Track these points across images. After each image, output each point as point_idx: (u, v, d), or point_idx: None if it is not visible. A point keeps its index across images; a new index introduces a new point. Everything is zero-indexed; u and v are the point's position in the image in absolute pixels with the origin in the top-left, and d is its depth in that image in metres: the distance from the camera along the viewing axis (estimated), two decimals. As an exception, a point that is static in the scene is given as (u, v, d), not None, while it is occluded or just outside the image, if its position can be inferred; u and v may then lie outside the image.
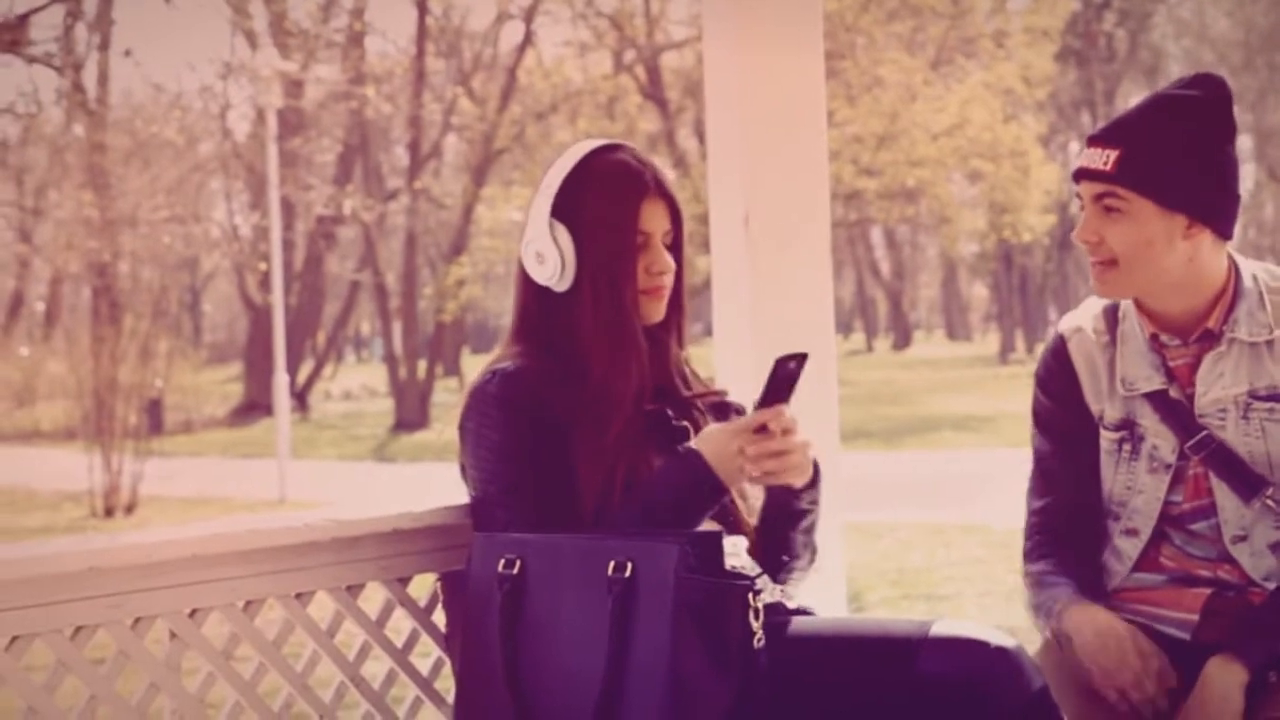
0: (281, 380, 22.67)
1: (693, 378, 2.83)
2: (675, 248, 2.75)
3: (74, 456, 20.18)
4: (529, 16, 31.38)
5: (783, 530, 2.73)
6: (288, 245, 32.00)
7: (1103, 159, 2.76)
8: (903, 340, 55.05)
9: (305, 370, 36.39)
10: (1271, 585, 2.81)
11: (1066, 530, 2.97)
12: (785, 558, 2.75)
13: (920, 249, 56.79)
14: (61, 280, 35.91)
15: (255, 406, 32.98)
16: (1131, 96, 43.64)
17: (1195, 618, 2.84)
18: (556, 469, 2.61)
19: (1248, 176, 48.22)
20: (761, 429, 2.54)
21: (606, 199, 2.68)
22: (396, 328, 34.04)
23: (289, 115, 30.23)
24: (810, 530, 2.76)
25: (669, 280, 2.73)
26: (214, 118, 34.80)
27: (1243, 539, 2.83)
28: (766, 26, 3.54)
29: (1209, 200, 2.77)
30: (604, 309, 2.66)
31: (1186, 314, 2.83)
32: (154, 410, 24.80)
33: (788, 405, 2.55)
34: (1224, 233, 2.81)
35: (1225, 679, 2.69)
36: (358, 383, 43.23)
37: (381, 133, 37.26)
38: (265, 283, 29.91)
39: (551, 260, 2.67)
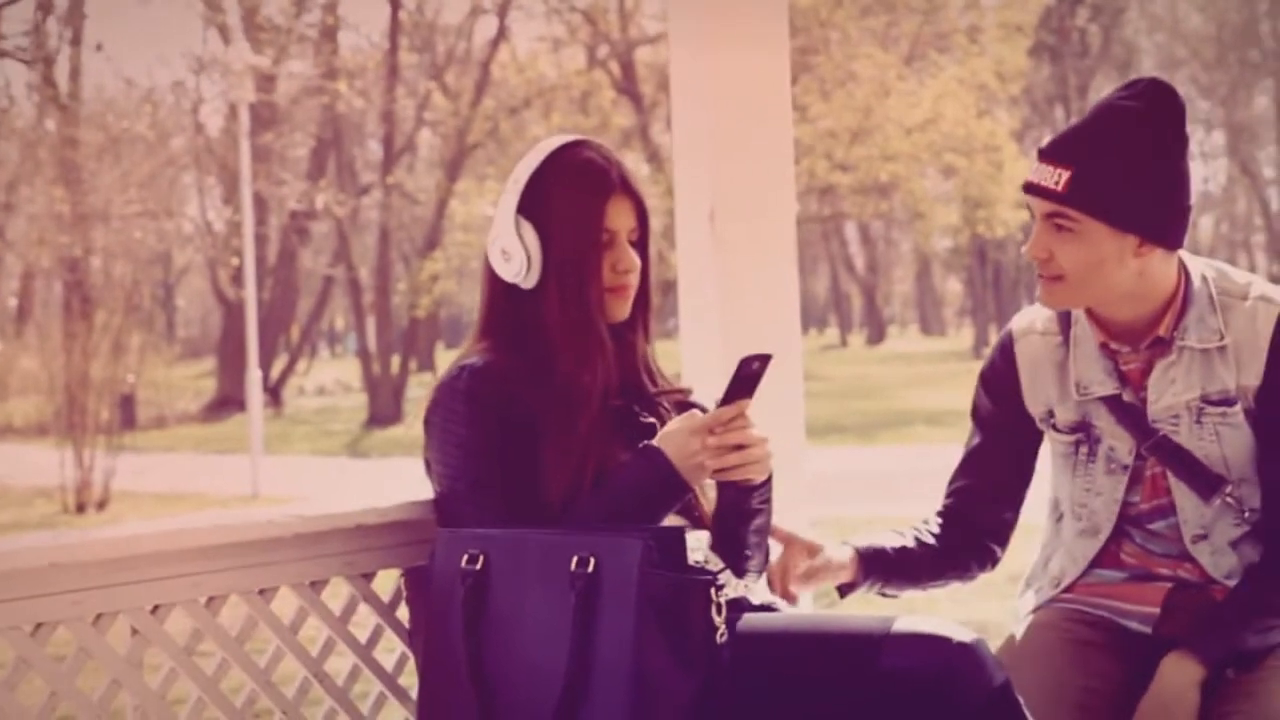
0: (254, 375, 22.63)
1: (658, 375, 2.83)
2: (641, 245, 2.75)
3: (46, 452, 20.08)
4: (503, 11, 31.36)
5: (735, 529, 2.73)
6: (261, 240, 31.92)
7: (1054, 178, 2.73)
8: (877, 335, 55.15)
9: (279, 365, 36.31)
10: (1233, 583, 2.82)
11: (971, 515, 3.03)
12: (746, 553, 2.75)
13: (894, 244, 56.85)
14: (33, 275, 35.75)
15: (229, 401, 32.90)
16: (1105, 91, 43.64)
17: (1157, 611, 2.86)
18: (524, 465, 2.60)
19: (1220, 171, 48.41)
20: (722, 425, 2.54)
21: (573, 196, 2.68)
22: (370, 323, 33.97)
23: (261, 110, 30.13)
24: (762, 531, 2.76)
25: (634, 279, 2.73)
26: (186, 112, 34.73)
27: (1203, 537, 2.84)
28: (732, 23, 3.53)
29: (1161, 219, 2.74)
30: (570, 307, 2.66)
31: (1137, 321, 2.82)
32: (126, 405, 24.73)
33: (749, 403, 2.56)
34: (1175, 246, 2.79)
35: (1181, 677, 2.70)
36: (331, 378, 43.15)
37: (355, 127, 37.15)
38: (238, 278, 29.81)
39: (517, 257, 2.67)
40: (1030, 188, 2.78)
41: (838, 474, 16.61)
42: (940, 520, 3.04)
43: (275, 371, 35.23)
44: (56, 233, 28.24)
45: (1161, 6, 44.93)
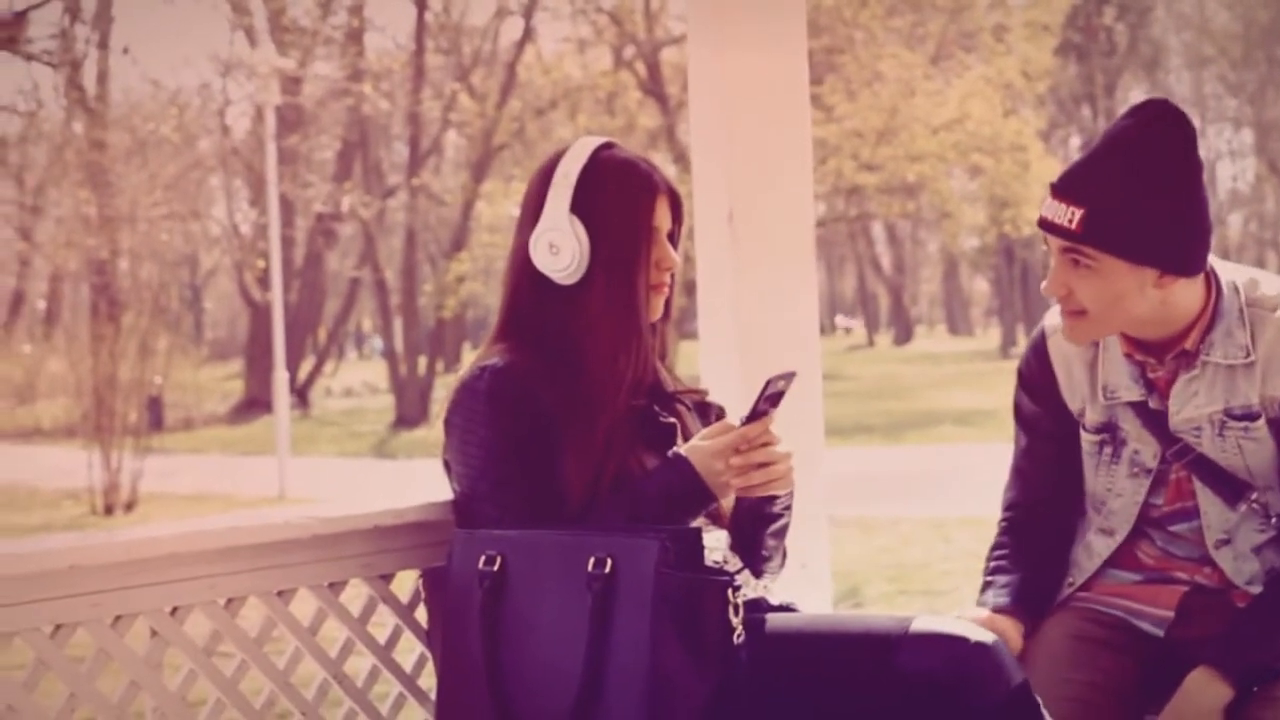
0: (281, 377, 22.67)
1: (671, 377, 2.84)
2: (674, 244, 2.77)
3: (74, 454, 20.15)
4: (528, 12, 31.40)
5: (754, 533, 2.73)
6: (287, 242, 31.99)
7: (1067, 216, 2.69)
8: (904, 335, 55.06)
9: (306, 367, 36.39)
10: (1254, 589, 2.80)
11: (1032, 530, 2.99)
12: (764, 554, 2.75)
13: (921, 244, 56.74)
14: (61, 278, 35.92)
15: (256, 403, 32.97)
16: (1132, 90, 43.60)
17: (1171, 614, 2.84)
18: (544, 465, 2.61)
19: (1248, 169, 48.21)
20: (747, 443, 2.55)
21: (624, 194, 2.69)
22: (397, 324, 34.04)
23: (288, 112, 30.21)
24: (780, 534, 2.77)
25: (669, 277, 2.75)
26: (213, 115, 34.85)
27: (1226, 542, 2.83)
28: (750, 24, 3.53)
29: (1179, 250, 2.70)
30: (616, 302, 2.67)
31: (1163, 339, 2.80)
32: (154, 407, 24.79)
33: (772, 419, 2.56)
34: (1196, 273, 2.75)
35: (1208, 697, 2.68)
36: (359, 379, 43.23)
37: (381, 129, 37.24)
38: (265, 280, 29.90)
39: (568, 252, 2.66)
40: (1045, 225, 2.74)
41: (864, 474, 16.59)
42: (1005, 539, 3.01)
43: (302, 373, 35.31)
44: (84, 235, 28.35)
45: (1189, 4, 44.79)
